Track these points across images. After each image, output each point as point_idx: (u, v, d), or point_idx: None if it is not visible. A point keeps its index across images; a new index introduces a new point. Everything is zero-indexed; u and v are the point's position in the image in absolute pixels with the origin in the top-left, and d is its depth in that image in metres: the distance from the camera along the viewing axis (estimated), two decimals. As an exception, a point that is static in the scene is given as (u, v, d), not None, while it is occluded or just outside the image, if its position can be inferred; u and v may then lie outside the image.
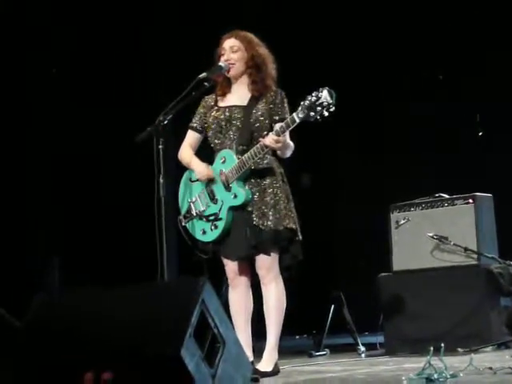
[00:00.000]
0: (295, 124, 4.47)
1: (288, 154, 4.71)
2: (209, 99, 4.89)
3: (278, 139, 4.50)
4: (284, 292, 4.74)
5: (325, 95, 4.38)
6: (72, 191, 7.97)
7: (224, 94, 4.85)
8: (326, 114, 4.42)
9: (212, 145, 4.84)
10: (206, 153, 4.89)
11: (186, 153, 4.90)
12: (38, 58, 7.85)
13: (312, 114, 4.40)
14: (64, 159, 8.02)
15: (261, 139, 4.56)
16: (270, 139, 4.51)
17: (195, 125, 4.90)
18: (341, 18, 8.35)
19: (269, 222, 4.62)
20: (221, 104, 4.84)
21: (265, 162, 4.72)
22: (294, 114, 4.47)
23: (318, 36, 8.37)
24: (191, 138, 4.92)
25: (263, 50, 4.81)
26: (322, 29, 8.36)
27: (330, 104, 4.39)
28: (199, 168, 4.78)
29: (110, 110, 8.02)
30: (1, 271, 7.06)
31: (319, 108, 4.39)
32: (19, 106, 7.75)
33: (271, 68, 4.82)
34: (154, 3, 8.26)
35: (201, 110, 4.89)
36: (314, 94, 4.41)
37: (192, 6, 8.21)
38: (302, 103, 4.44)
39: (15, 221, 7.56)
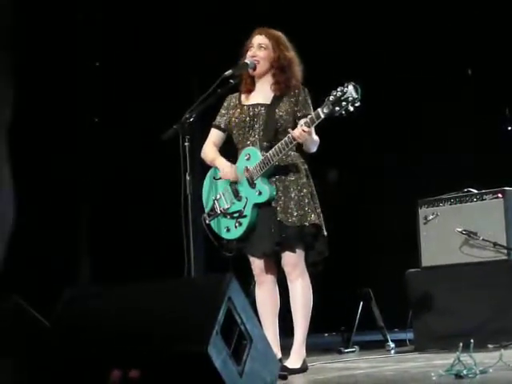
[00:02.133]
0: (320, 119, 4.47)
1: (313, 149, 4.70)
2: (233, 97, 4.90)
3: (309, 130, 4.49)
4: (310, 288, 4.73)
5: (350, 90, 4.38)
6: (100, 189, 8.00)
7: (248, 92, 4.86)
8: (351, 109, 4.41)
9: (236, 142, 4.84)
10: (229, 150, 4.90)
11: (210, 150, 4.90)
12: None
13: (337, 108, 4.40)
14: (92, 158, 8.05)
15: (290, 130, 4.55)
16: (300, 130, 4.49)
17: (219, 123, 4.91)
18: (369, 15, 8.32)
19: (293, 218, 4.62)
20: (245, 102, 4.85)
21: (289, 158, 4.72)
22: (319, 109, 4.47)
23: (352, 34, 8.34)
24: (215, 136, 4.93)
25: (290, 53, 4.80)
26: (354, 27, 8.33)
27: (356, 99, 4.38)
28: (224, 168, 4.79)
29: (139, 108, 8.04)
30: (30, 268, 7.10)
31: (344, 103, 4.38)
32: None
33: (297, 70, 4.82)
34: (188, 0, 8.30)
35: (224, 108, 4.91)
36: (339, 89, 4.40)
37: (224, 3, 8.22)
38: (327, 98, 4.44)
39: (46, 217, 7.59)
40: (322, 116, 4.45)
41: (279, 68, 4.78)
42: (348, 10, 8.33)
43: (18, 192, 7.09)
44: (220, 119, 4.91)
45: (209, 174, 4.92)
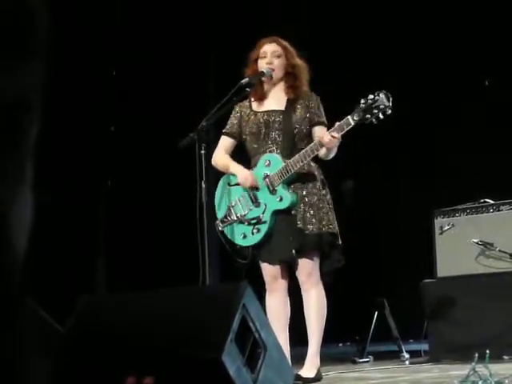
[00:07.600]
0: (350, 126, 4.45)
1: (331, 156, 4.69)
2: (243, 106, 4.88)
3: (338, 136, 4.47)
4: (325, 297, 4.72)
5: (382, 98, 4.39)
6: (114, 196, 8.01)
7: (261, 99, 4.84)
8: (381, 116, 4.41)
9: (249, 150, 4.83)
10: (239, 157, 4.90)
11: (222, 157, 4.88)
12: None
13: (368, 116, 4.40)
14: (107, 165, 8.07)
15: (318, 136, 4.55)
16: (329, 137, 4.47)
17: (229, 130, 4.88)
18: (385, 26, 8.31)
19: (312, 226, 4.61)
20: (258, 109, 4.84)
21: (307, 167, 4.71)
22: (349, 117, 4.46)
23: (368, 44, 8.34)
24: (225, 143, 4.90)
25: (299, 61, 4.83)
26: (372, 37, 8.33)
27: (387, 107, 4.39)
28: (243, 174, 4.76)
29: (155, 117, 8.06)
30: (45, 274, 7.10)
31: (375, 111, 4.39)
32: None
33: (306, 77, 4.82)
34: (204, 8, 8.31)
35: (235, 116, 4.88)
36: (370, 97, 4.41)
37: (240, 12, 8.24)
38: (357, 106, 4.43)
39: (62, 221, 7.60)
40: (352, 123, 4.44)
41: (292, 75, 4.78)
42: (365, 23, 8.33)
43: (36, 198, 7.10)
44: (231, 127, 4.89)
45: (222, 181, 4.89)
